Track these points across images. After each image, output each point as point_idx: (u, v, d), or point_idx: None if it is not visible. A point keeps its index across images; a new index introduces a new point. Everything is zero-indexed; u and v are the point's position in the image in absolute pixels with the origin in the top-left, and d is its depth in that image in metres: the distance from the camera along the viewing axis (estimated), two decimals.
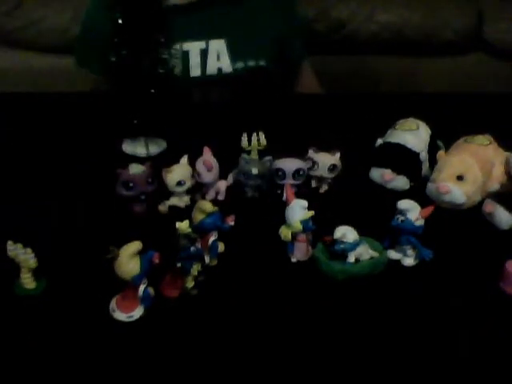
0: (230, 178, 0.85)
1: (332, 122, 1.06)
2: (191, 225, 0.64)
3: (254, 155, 0.84)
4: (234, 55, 1.18)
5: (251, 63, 1.20)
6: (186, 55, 1.15)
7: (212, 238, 0.69)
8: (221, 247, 0.72)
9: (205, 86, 1.18)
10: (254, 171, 0.82)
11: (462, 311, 0.65)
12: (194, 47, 1.15)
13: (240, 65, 1.19)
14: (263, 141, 0.83)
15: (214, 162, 0.81)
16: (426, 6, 1.87)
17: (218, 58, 1.17)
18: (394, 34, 1.86)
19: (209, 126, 0.99)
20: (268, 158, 0.83)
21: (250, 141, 0.83)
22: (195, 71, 1.16)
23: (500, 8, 1.87)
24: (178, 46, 1.12)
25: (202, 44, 1.16)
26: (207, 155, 0.82)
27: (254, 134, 0.83)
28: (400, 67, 1.89)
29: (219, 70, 1.17)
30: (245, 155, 0.83)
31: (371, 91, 1.72)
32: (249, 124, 0.86)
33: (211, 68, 1.17)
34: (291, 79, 1.33)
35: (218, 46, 1.17)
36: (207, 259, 0.69)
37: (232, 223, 0.71)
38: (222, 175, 0.84)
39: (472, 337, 0.62)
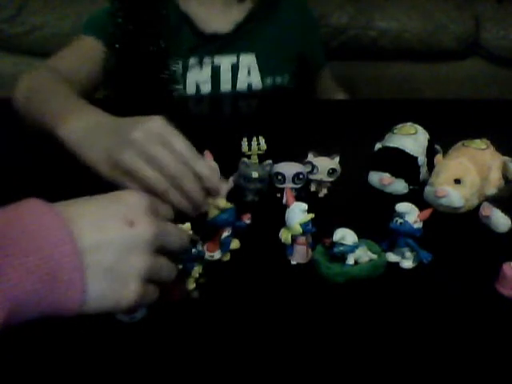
0: (231, 181, 0.86)
1: (331, 127, 1.06)
2: (193, 226, 0.65)
3: (254, 159, 0.85)
4: (263, 70, 1.20)
5: (278, 79, 1.22)
6: (217, 70, 1.17)
7: (225, 234, 0.71)
8: (235, 244, 0.74)
9: (234, 99, 1.20)
10: (254, 175, 0.82)
11: (459, 312, 0.66)
12: (225, 61, 1.17)
13: (269, 81, 1.21)
14: (263, 145, 0.84)
15: (214, 165, 0.82)
16: (424, 12, 1.88)
17: (249, 73, 1.19)
18: (392, 40, 1.87)
19: (209, 131, 1.00)
20: (268, 162, 0.84)
21: (250, 145, 0.84)
22: (225, 86, 1.18)
23: (497, 14, 1.89)
24: (208, 60, 1.15)
25: (232, 58, 1.17)
26: (208, 159, 0.82)
27: (254, 139, 0.84)
28: (398, 73, 1.90)
29: (249, 85, 1.19)
30: (245, 159, 0.84)
31: (370, 97, 1.74)
32: (249, 129, 0.87)
33: (241, 83, 1.19)
34: (311, 86, 1.36)
35: (248, 61, 1.18)
36: (219, 255, 0.71)
37: (248, 221, 0.72)
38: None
39: (469, 338, 0.63)
